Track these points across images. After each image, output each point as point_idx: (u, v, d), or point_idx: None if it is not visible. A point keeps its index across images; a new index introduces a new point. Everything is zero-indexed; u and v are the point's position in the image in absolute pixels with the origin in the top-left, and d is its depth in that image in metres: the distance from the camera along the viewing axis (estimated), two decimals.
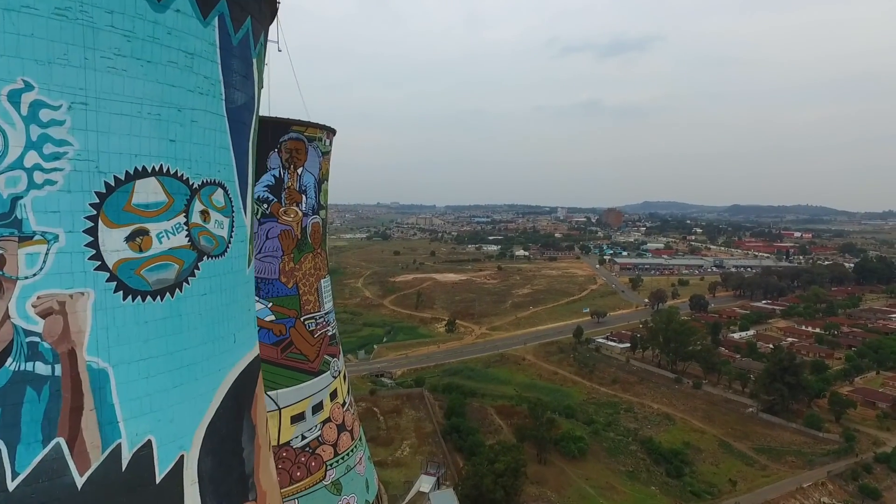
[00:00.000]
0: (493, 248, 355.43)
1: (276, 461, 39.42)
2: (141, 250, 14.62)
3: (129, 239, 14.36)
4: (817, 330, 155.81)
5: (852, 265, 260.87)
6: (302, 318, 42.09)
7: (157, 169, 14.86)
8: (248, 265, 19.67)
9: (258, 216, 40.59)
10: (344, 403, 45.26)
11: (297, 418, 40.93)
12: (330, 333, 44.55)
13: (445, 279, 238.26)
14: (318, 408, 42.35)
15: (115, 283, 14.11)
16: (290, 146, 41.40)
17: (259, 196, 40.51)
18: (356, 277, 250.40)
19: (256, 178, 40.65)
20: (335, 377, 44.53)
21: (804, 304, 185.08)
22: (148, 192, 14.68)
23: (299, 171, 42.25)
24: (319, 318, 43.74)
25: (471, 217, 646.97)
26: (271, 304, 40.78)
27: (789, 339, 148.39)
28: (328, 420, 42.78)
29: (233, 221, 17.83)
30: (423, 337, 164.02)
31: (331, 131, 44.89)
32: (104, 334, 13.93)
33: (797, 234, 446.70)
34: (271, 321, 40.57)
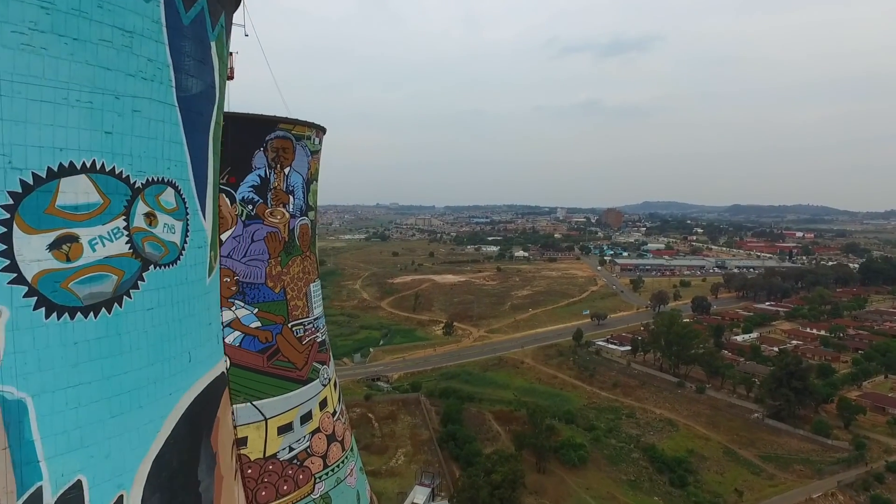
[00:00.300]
0: (493, 248, 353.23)
1: (262, 474, 37.67)
2: (69, 260, 12.52)
3: (54, 247, 12.28)
4: (822, 332, 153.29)
5: (857, 266, 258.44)
6: (289, 325, 40.39)
7: (88, 165, 12.75)
8: (209, 274, 17.55)
9: (243, 218, 38.80)
10: (334, 412, 43.51)
11: (285, 429, 39.28)
12: (319, 340, 42.73)
13: (444, 280, 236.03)
14: (306, 417, 40.71)
15: (36, 298, 12.04)
16: (276, 145, 39.71)
17: (244, 197, 38.76)
18: (354, 279, 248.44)
19: (241, 178, 39.11)
20: (325, 385, 42.80)
21: (809, 305, 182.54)
22: (77, 191, 12.57)
23: (286, 170, 40.61)
24: (308, 324, 42.00)
25: (470, 218, 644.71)
26: (257, 309, 39.08)
27: (794, 342, 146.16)
28: (317, 430, 41.13)
29: (187, 225, 15.73)
30: (421, 340, 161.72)
31: (320, 129, 43.11)
32: (21, 359, 11.85)
33: (799, 234, 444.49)
34: (257, 328, 38.87)
